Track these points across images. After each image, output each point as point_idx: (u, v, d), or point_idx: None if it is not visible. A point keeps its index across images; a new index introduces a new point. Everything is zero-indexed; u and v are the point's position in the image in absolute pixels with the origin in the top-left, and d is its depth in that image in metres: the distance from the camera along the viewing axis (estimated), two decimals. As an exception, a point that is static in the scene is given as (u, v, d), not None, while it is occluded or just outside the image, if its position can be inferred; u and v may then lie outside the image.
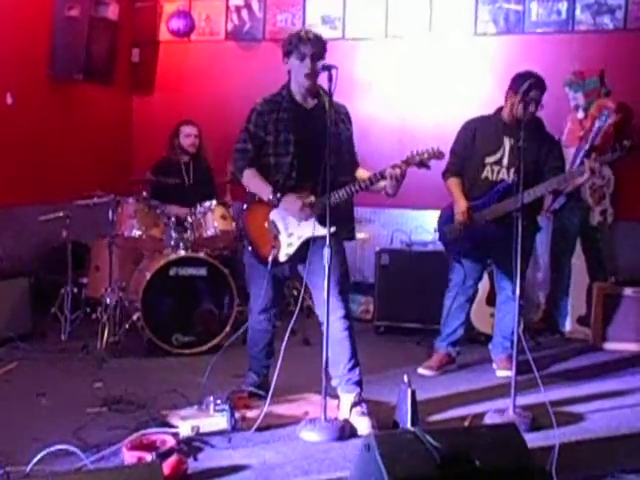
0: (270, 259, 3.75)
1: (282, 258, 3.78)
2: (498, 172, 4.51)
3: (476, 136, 4.57)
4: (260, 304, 3.92)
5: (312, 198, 3.70)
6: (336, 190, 3.63)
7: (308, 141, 3.71)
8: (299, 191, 3.72)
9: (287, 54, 3.75)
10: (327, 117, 3.58)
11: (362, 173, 3.88)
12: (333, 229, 3.56)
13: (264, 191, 3.74)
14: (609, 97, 5.67)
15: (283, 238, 3.77)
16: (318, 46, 3.69)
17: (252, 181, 3.79)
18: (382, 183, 3.68)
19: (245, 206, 3.92)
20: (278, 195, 3.69)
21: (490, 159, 4.51)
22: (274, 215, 3.77)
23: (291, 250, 3.77)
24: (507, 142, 4.49)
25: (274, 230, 3.78)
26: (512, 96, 4.44)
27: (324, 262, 3.48)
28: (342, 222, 3.75)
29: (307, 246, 3.72)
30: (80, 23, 6.22)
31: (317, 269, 3.61)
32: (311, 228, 3.67)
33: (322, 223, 3.59)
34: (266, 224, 3.79)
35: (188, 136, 5.70)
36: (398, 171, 3.61)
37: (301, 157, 3.72)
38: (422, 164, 3.73)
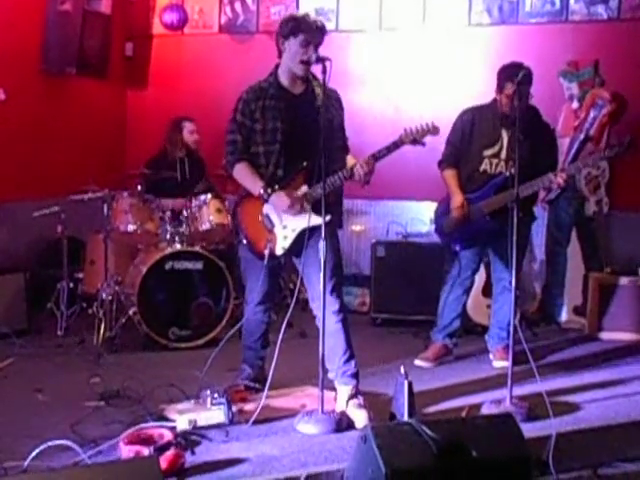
0: (266, 253, 3.74)
1: (278, 252, 3.77)
2: (496, 165, 4.50)
3: (474, 127, 4.54)
4: (256, 297, 3.92)
5: (304, 188, 3.68)
6: (328, 177, 3.60)
7: (297, 128, 3.67)
8: (291, 181, 3.70)
9: (289, 34, 3.63)
10: (317, 102, 3.55)
11: (350, 159, 3.85)
12: (329, 218, 3.55)
13: (255, 186, 3.71)
14: (603, 87, 5.65)
15: (278, 231, 3.76)
16: (322, 37, 3.65)
17: (243, 176, 3.76)
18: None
19: (238, 200, 3.89)
20: (269, 190, 3.66)
21: (488, 152, 4.50)
22: (268, 208, 3.74)
23: (287, 243, 3.75)
24: (505, 135, 4.48)
25: (268, 224, 3.76)
26: (498, 93, 4.45)
27: (319, 255, 3.47)
28: (335, 210, 3.74)
29: (303, 238, 3.68)
30: (73, 17, 6.21)
31: (312, 262, 3.61)
32: (306, 219, 3.65)
33: (316, 212, 3.59)
34: (260, 218, 3.77)
35: (192, 132, 5.76)
36: (366, 168, 3.63)
37: (290, 145, 3.68)
38: (416, 142, 3.71)
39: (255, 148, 3.75)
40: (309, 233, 3.65)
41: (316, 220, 3.59)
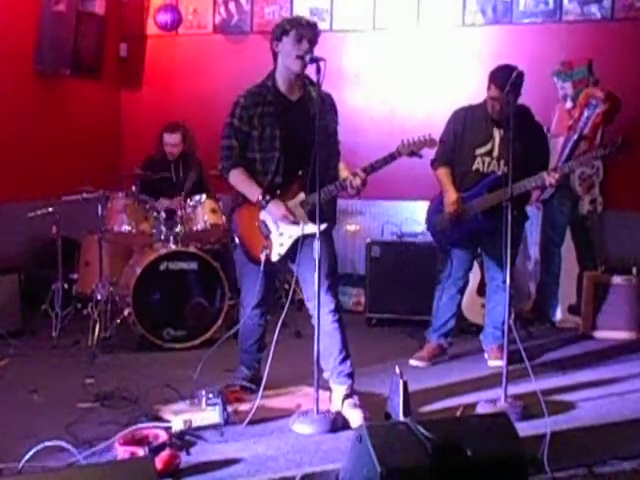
0: (262, 259, 3.73)
1: (274, 258, 3.76)
2: (489, 164, 4.50)
3: (466, 126, 4.55)
4: (252, 301, 3.90)
5: (302, 195, 3.68)
6: (326, 185, 3.61)
7: (294, 135, 3.66)
8: (288, 188, 3.70)
9: (281, 35, 3.63)
10: (314, 108, 3.54)
11: (342, 169, 3.86)
12: (324, 226, 3.57)
13: (252, 193, 3.69)
14: (597, 86, 5.66)
15: (274, 238, 3.75)
16: (315, 32, 3.64)
17: (240, 182, 3.74)
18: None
19: (234, 205, 3.88)
20: (267, 198, 3.65)
21: (480, 151, 4.51)
22: (264, 215, 3.73)
23: (283, 250, 3.75)
24: (496, 134, 4.49)
25: (265, 230, 3.76)
26: (487, 94, 4.46)
27: (314, 255, 3.47)
28: (329, 216, 3.75)
29: (298, 243, 3.70)
30: (67, 18, 6.20)
31: (307, 263, 3.61)
32: (302, 227, 3.66)
33: (313, 219, 3.60)
34: (257, 224, 3.76)
35: (166, 145, 5.71)
36: (358, 180, 3.62)
37: (288, 152, 3.68)
38: (414, 154, 3.72)
39: (252, 154, 3.73)
40: (304, 238, 3.66)
41: (312, 228, 3.59)
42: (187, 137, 5.75)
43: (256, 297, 3.88)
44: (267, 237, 3.76)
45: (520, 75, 4.09)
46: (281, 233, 3.74)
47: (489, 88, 4.40)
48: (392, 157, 3.70)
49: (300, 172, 3.64)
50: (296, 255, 3.69)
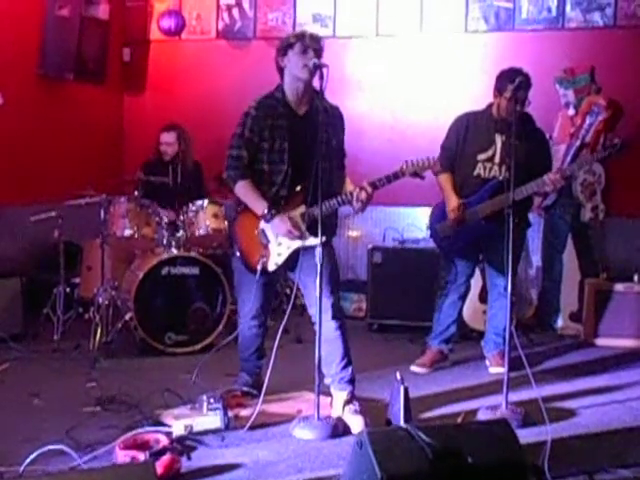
0: (259, 268, 3.74)
1: (271, 267, 3.77)
2: (490, 169, 4.51)
3: (468, 132, 4.56)
4: (250, 310, 3.91)
5: (302, 208, 3.69)
6: (327, 199, 3.61)
7: (302, 149, 3.67)
8: (290, 200, 3.71)
9: (286, 49, 3.66)
10: (319, 121, 3.55)
11: (347, 182, 3.86)
12: (323, 239, 3.56)
13: (258, 206, 3.70)
14: (600, 94, 5.67)
15: (273, 247, 3.76)
16: (320, 45, 3.66)
17: (246, 193, 3.75)
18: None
19: (236, 213, 3.89)
20: (272, 212, 3.66)
21: (482, 156, 4.52)
22: (264, 224, 3.74)
23: (280, 260, 3.76)
24: (499, 139, 4.50)
25: (264, 239, 3.76)
26: (497, 96, 4.46)
27: (315, 261, 3.47)
28: (330, 229, 3.76)
29: (296, 254, 3.71)
30: (71, 22, 6.22)
31: (308, 271, 3.62)
32: (302, 239, 3.68)
33: (311, 231, 3.61)
34: (256, 232, 3.77)
35: (162, 144, 5.75)
36: (364, 194, 3.63)
37: (296, 165, 3.69)
38: (416, 175, 3.73)
39: (259, 166, 3.74)
40: (305, 248, 3.68)
41: (312, 241, 3.60)
42: (183, 138, 5.75)
43: (253, 306, 3.89)
44: (265, 246, 3.76)
45: (529, 77, 4.29)
46: (279, 243, 3.74)
47: (505, 90, 4.37)
48: (395, 176, 3.70)
49: (302, 184, 3.65)
50: (294, 264, 3.71)
